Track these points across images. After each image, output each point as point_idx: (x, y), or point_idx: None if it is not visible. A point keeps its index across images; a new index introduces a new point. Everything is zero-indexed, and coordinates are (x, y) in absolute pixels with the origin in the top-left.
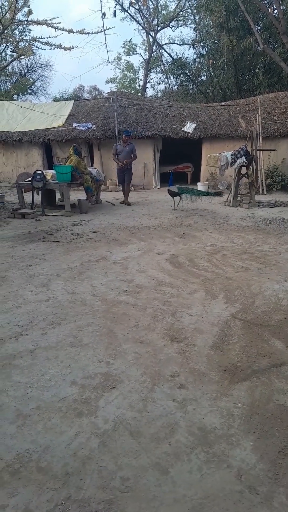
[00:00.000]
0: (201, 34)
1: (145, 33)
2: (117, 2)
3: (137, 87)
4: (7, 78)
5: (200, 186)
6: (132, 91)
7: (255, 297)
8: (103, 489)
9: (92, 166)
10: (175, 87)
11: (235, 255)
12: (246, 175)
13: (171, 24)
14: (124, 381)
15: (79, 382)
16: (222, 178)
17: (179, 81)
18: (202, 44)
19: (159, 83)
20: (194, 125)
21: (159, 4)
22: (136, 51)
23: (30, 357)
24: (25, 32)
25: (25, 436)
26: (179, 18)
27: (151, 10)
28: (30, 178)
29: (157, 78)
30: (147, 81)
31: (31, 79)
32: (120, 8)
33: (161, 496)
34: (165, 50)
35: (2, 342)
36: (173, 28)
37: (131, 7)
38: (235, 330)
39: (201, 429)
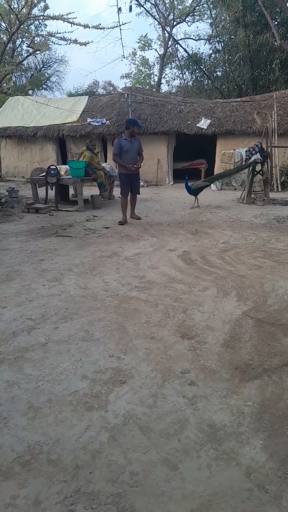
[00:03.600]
0: (217, 29)
1: (160, 28)
2: None
3: (152, 83)
4: (23, 73)
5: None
6: (147, 87)
7: (267, 296)
8: (112, 483)
9: (105, 162)
10: (190, 83)
11: (248, 252)
12: (261, 172)
13: (187, 19)
14: (135, 377)
15: (90, 376)
16: (236, 175)
17: (194, 76)
18: (218, 39)
19: (174, 79)
20: (208, 121)
21: None
22: (152, 47)
23: (42, 350)
24: (41, 27)
25: (36, 428)
26: (195, 13)
27: (167, 5)
28: (44, 173)
29: (172, 74)
30: (162, 76)
31: (46, 74)
32: (136, 3)
33: (169, 491)
34: (181, 45)
35: (14, 335)
36: (189, 23)
37: (147, 2)
38: (246, 328)
39: (210, 426)
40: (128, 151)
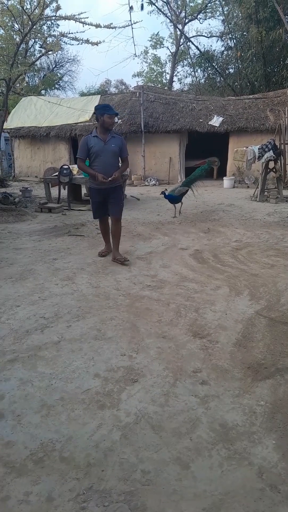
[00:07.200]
0: (230, 26)
1: (172, 26)
2: None
3: (164, 81)
4: (35, 73)
5: (226, 181)
6: (159, 85)
7: (280, 295)
8: (124, 481)
9: None
10: (202, 80)
11: (261, 251)
12: (274, 170)
13: (199, 16)
14: (147, 375)
15: (102, 374)
16: (249, 173)
17: (206, 74)
18: (230, 36)
19: (186, 77)
20: (221, 119)
21: None
22: (163, 45)
23: (55, 348)
24: (53, 27)
25: (49, 426)
26: (207, 10)
27: (178, 3)
28: (57, 173)
29: (184, 72)
30: (174, 74)
31: (58, 74)
32: (148, 1)
33: (181, 490)
34: (193, 43)
35: (28, 333)
36: (201, 20)
37: (158, 0)
38: (259, 328)
39: (222, 425)
40: (99, 154)
